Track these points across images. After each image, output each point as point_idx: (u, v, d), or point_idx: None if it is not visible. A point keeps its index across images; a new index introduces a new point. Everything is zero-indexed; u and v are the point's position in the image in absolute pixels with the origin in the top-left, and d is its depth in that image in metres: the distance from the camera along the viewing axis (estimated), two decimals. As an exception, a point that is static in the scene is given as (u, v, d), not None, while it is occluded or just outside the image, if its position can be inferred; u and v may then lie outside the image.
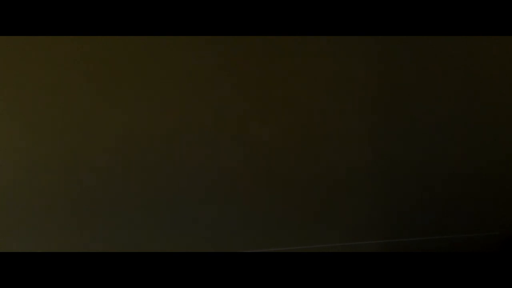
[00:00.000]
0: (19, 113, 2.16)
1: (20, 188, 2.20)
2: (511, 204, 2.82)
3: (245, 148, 2.43)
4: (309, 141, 2.51)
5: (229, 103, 2.38)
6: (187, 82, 2.32)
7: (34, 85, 2.16)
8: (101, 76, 2.23)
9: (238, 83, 2.39)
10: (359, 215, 2.62)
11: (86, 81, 2.21)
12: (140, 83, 2.27)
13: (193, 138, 2.36)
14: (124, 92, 2.26)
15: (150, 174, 2.33)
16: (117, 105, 2.26)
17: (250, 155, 2.44)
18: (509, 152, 2.77)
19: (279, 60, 2.41)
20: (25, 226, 2.23)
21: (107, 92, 2.24)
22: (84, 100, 2.22)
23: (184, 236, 2.41)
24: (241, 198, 2.46)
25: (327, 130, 2.52)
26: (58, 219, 2.26)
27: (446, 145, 2.68)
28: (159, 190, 2.35)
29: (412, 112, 2.62)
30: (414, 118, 2.62)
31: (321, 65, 2.46)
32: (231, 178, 2.43)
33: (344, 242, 2.62)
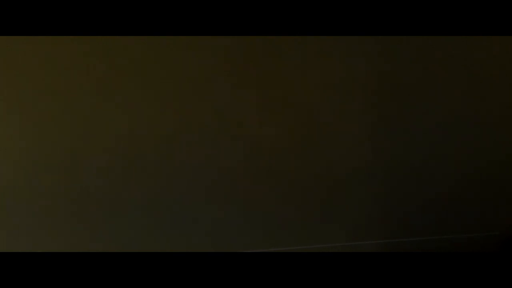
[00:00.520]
0: (19, 113, 2.16)
1: (20, 188, 2.20)
2: (511, 204, 2.82)
3: (245, 148, 2.43)
4: (309, 141, 2.51)
5: (229, 103, 2.38)
6: (187, 82, 2.32)
7: (34, 85, 2.16)
8: (101, 76, 2.23)
9: (238, 83, 2.39)
10: (359, 215, 2.62)
11: (86, 81, 2.21)
12: (140, 83, 2.27)
13: (193, 138, 2.36)
14: (124, 92, 2.26)
15: (150, 174, 2.33)
16: (117, 105, 2.26)
17: (250, 155, 2.44)
18: (509, 152, 2.77)
19: (279, 60, 2.41)
20: (25, 226, 2.23)
21: (107, 92, 2.24)
22: (84, 100, 2.22)
23: (184, 236, 2.41)
24: (241, 198, 2.46)
25: (327, 130, 2.52)
26: (58, 219, 2.26)
27: (446, 145, 2.68)
28: (159, 190, 2.35)
29: (412, 112, 2.62)
30: (414, 118, 2.62)
31: (321, 65, 2.46)
32: (231, 178, 2.43)
33: (344, 242, 2.62)
